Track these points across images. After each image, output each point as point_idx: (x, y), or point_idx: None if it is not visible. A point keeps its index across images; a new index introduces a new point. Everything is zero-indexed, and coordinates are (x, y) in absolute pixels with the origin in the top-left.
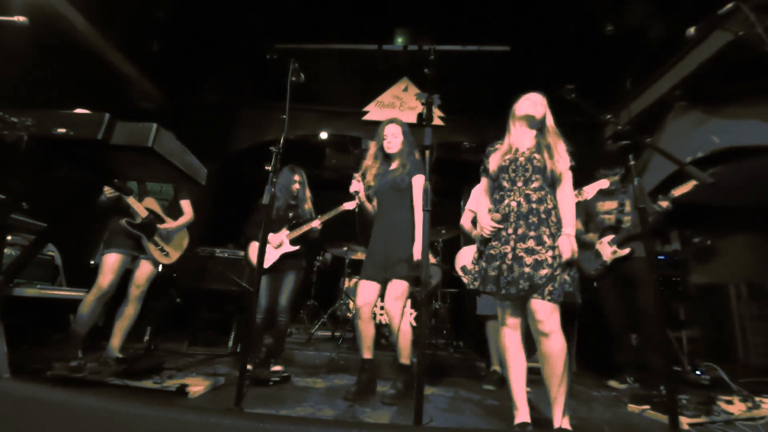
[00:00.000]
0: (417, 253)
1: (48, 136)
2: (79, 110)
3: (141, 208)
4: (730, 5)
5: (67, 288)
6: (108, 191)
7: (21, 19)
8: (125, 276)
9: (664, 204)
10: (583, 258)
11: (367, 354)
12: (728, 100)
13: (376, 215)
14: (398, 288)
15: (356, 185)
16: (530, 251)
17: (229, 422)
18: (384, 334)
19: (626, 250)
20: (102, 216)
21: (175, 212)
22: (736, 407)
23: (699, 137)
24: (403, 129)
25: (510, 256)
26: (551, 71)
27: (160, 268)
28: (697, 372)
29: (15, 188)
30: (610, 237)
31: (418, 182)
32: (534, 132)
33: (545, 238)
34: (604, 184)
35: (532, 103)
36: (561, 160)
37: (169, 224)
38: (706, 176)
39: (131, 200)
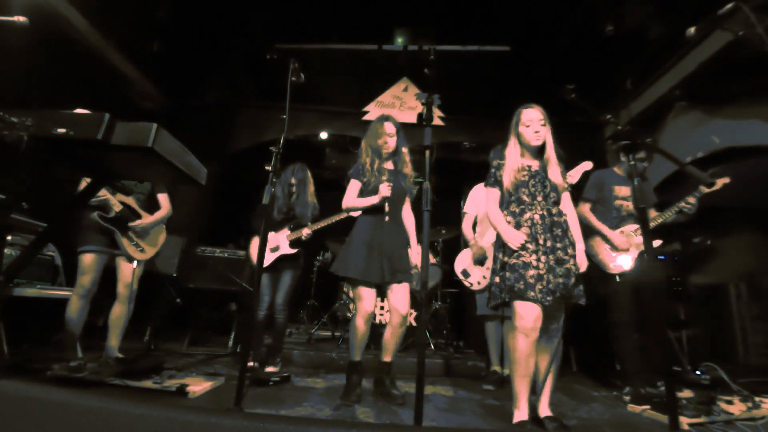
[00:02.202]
0: (417, 256)
1: (48, 136)
2: (79, 110)
3: (115, 201)
4: (730, 5)
5: (67, 288)
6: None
7: (21, 19)
8: (113, 275)
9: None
10: (599, 251)
11: (360, 356)
12: (728, 100)
13: (373, 215)
14: (407, 290)
15: (387, 190)
16: (560, 261)
17: (229, 422)
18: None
19: (658, 242)
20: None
21: (153, 207)
22: (736, 407)
23: (699, 137)
24: (397, 127)
25: (544, 267)
26: (551, 71)
27: (136, 264)
28: (697, 372)
29: (15, 188)
30: (635, 227)
31: (408, 201)
32: (539, 150)
33: (569, 250)
34: (587, 165)
35: (537, 135)
36: (562, 178)
37: (145, 219)
38: (706, 176)
39: (106, 194)
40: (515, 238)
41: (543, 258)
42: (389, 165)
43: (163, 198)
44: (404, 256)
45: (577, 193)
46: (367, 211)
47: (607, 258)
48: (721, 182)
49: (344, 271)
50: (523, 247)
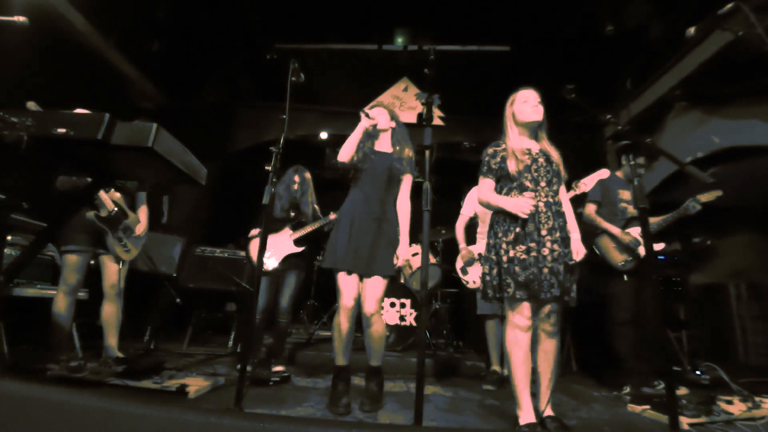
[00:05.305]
0: (404, 253)
1: (48, 136)
2: (79, 110)
3: (108, 200)
4: (730, 5)
5: None
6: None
7: (21, 19)
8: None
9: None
10: (608, 250)
11: (345, 360)
12: (728, 100)
13: (360, 197)
14: (380, 286)
15: (365, 120)
16: (563, 255)
17: (229, 422)
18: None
19: (662, 245)
20: (58, 199)
21: (134, 205)
22: (736, 407)
23: (699, 137)
24: (391, 114)
25: (549, 258)
26: (551, 71)
27: (122, 264)
28: (697, 372)
29: (15, 188)
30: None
31: (408, 180)
32: (536, 133)
33: (566, 242)
34: (604, 173)
35: (535, 109)
36: (562, 163)
37: (142, 222)
38: (706, 176)
39: (100, 192)
40: (523, 205)
41: (544, 251)
42: (381, 146)
43: (142, 207)
44: (384, 243)
45: (582, 195)
46: (353, 190)
47: (615, 255)
48: (714, 194)
49: (325, 261)
50: (523, 239)
